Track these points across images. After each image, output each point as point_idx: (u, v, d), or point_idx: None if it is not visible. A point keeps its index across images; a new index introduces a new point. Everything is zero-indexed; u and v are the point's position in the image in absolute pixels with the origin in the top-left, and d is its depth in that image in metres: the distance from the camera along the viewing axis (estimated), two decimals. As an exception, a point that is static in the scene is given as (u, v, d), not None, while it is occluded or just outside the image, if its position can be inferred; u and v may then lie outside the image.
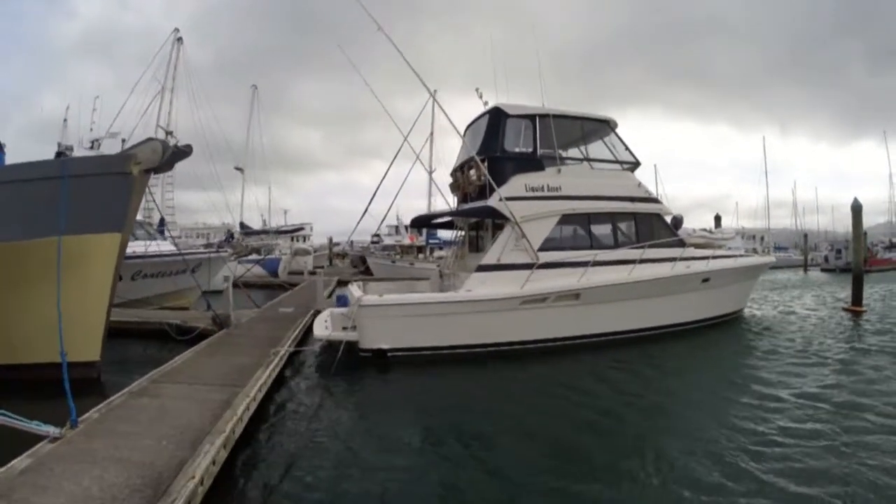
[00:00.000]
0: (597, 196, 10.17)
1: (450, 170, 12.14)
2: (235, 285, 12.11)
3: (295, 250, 25.80)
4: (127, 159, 6.48)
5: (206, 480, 3.76)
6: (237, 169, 33.31)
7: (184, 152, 6.73)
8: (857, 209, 13.97)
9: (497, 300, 8.61)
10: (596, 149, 11.01)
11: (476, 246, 11.51)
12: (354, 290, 9.47)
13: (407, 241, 33.01)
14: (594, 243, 10.03)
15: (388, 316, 8.22)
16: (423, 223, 12.81)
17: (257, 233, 32.00)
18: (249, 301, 12.63)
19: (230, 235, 24.22)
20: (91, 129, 17.56)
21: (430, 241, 33.71)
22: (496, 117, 9.90)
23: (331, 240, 37.89)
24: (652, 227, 10.80)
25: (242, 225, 32.83)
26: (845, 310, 13.35)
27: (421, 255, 30.76)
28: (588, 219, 10.14)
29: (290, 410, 6.21)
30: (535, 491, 4.14)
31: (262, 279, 19.64)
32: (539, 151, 10.00)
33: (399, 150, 24.71)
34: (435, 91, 34.08)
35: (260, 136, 34.98)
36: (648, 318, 10.22)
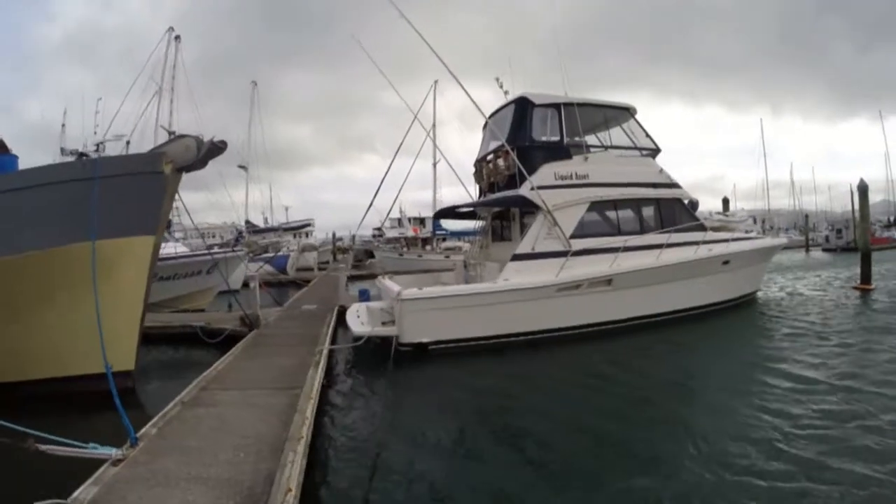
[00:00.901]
0: (622, 183, 10.17)
1: (454, 160, 12.04)
2: (247, 284, 11.88)
3: (302, 246, 25.34)
4: (159, 158, 6.12)
5: (297, 491, 3.54)
6: (241, 167, 32.33)
7: (218, 148, 6.33)
8: (863, 189, 14.28)
9: (535, 289, 8.58)
10: (617, 135, 10.98)
11: (501, 235, 11.42)
12: (389, 283, 9.31)
13: (410, 233, 32.59)
14: (622, 229, 10.05)
15: (429, 309, 8.10)
16: (448, 214, 12.69)
17: (265, 230, 31.38)
18: (270, 300, 12.37)
19: (239, 234, 23.70)
20: (95, 132, 16.79)
21: (437, 232, 33.04)
22: (523, 106, 9.77)
23: (334, 235, 37.31)
24: (674, 211, 10.87)
25: (248, 223, 32.10)
26: (855, 288, 13.68)
27: (428, 247, 30.45)
28: (615, 205, 10.14)
29: (346, 408, 6.13)
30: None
31: (274, 277, 19.24)
32: (565, 140, 9.92)
33: (402, 141, 24.54)
34: (436, 82, 34.23)
35: (262, 132, 33.96)
36: (675, 301, 10.34)
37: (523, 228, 10.18)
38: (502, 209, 10.82)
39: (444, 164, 33.04)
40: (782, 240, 14.11)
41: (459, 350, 8.27)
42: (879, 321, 10.12)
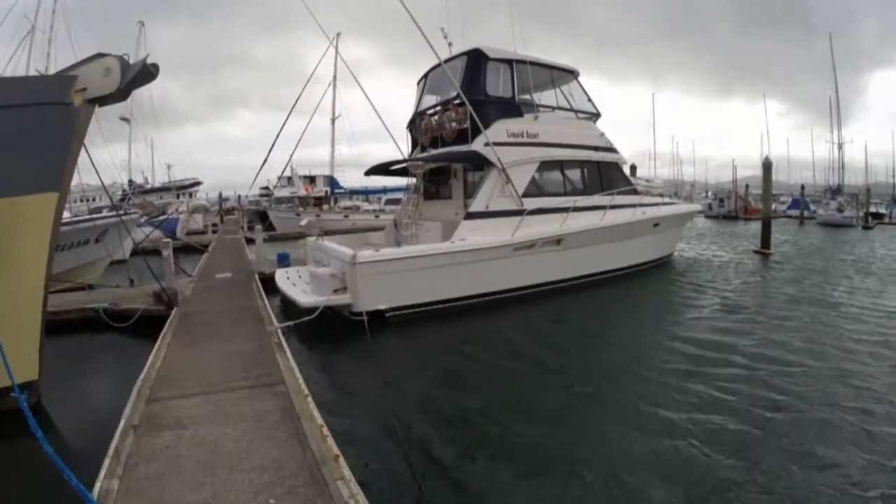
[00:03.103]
0: (569, 144, 10.28)
1: (354, 118, 11.35)
2: (139, 252, 10.19)
3: (192, 208, 22.60)
4: (67, 84, 4.52)
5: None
6: (123, 119, 27.84)
7: (150, 73, 4.76)
8: (767, 166, 16.02)
9: (495, 248, 8.37)
10: (561, 97, 11.01)
11: (437, 194, 10.97)
12: (336, 246, 8.50)
13: (302, 192, 30.98)
14: (567, 190, 10.19)
15: (387, 272, 7.49)
16: (381, 171, 11.84)
17: (153, 190, 27.64)
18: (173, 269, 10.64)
19: (125, 195, 20.51)
20: None
21: (336, 190, 31.79)
22: (477, 59, 9.33)
23: (220, 195, 33.98)
24: (612, 175, 11.30)
25: (132, 183, 27.97)
26: (755, 252, 15.45)
27: (325, 207, 29.07)
28: (561, 166, 10.24)
29: (339, 393, 5.23)
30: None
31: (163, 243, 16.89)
32: (517, 97, 9.71)
33: (298, 97, 22.84)
34: (338, 34, 32.54)
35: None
36: (614, 260, 10.84)
37: (467, 186, 9.88)
38: (439, 166, 10.34)
39: (342, 121, 32.17)
40: (698, 206, 15.45)
41: (417, 316, 7.81)
42: (776, 275, 11.71)
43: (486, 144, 8.81)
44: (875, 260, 14.50)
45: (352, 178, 35.10)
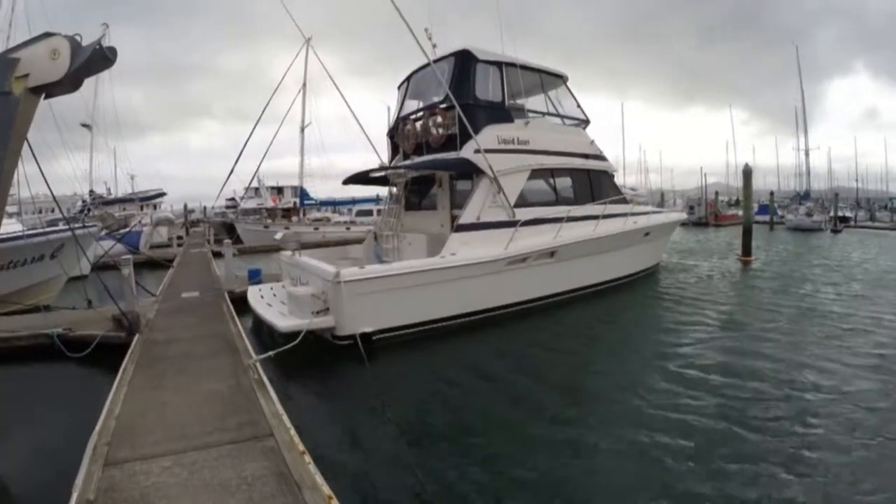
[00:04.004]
0: (560, 152, 9.87)
1: (325, 126, 10.69)
2: (104, 267, 9.26)
3: (157, 220, 21.26)
4: (5, 68, 3.74)
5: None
6: (84, 126, 26.00)
7: (105, 57, 4.02)
8: (747, 173, 16.06)
9: (489, 262, 7.81)
10: (550, 103, 10.59)
11: (419, 204, 10.36)
12: (315, 262, 7.76)
13: (270, 204, 30.22)
14: (559, 199, 9.75)
15: (374, 291, 6.80)
16: (361, 180, 11.13)
17: (116, 201, 25.97)
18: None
19: (85, 206, 19.06)
20: None
21: (305, 202, 31.22)
22: (465, 61, 8.78)
23: (185, 206, 32.65)
24: (603, 183, 10.95)
25: (94, 194, 26.23)
26: (738, 259, 15.45)
27: (294, 218, 28.37)
28: (552, 174, 9.79)
29: (342, 445, 4.34)
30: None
31: (123, 257, 15.64)
32: (506, 102, 9.22)
33: (267, 103, 22.20)
34: (309, 39, 32.18)
35: (111, 87, 27.71)
36: (606, 271, 10.46)
37: (454, 196, 9.31)
38: (423, 174, 9.75)
39: (310, 131, 31.65)
40: (683, 214, 15.34)
41: (406, 338, 7.12)
42: (759, 283, 11.75)
43: (477, 151, 8.27)
44: (854, 264, 14.66)
45: (321, 189, 34.70)
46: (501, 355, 6.78)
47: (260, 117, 21.49)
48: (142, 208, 27.92)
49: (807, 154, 35.06)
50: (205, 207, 33.42)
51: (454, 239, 7.99)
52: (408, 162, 9.42)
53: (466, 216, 8.23)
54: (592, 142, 10.94)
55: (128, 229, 17.43)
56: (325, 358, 6.52)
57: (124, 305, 6.92)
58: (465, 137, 8.45)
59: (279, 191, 34.10)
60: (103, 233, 12.76)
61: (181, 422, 3.99)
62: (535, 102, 10.33)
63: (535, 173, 9.35)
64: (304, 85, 30.77)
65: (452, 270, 7.45)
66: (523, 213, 8.72)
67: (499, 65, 9.19)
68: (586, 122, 11.13)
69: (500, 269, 8.05)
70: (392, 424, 4.52)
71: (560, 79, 10.72)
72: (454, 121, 8.50)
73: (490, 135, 8.68)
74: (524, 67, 9.61)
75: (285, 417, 3.92)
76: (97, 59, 3.98)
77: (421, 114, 9.49)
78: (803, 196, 32.95)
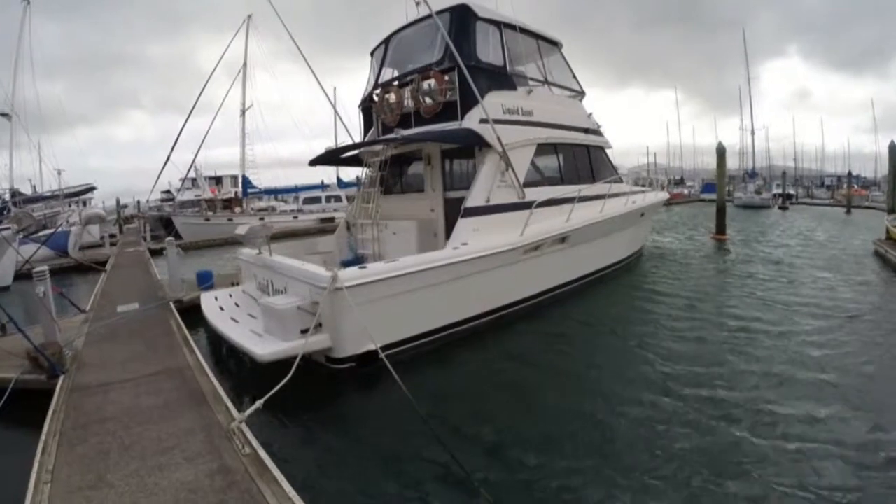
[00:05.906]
0: (563, 125, 8.88)
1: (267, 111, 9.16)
2: (22, 275, 7.29)
3: (87, 217, 18.38)
4: None
5: None
6: (2, 115, 21.93)
7: None
8: (721, 152, 15.97)
9: (508, 252, 6.67)
10: (547, 71, 9.54)
11: (401, 187, 9.02)
12: (298, 264, 6.20)
13: (209, 194, 28.10)
14: (564, 178, 8.80)
15: (380, 298, 5.39)
16: (331, 159, 9.57)
17: (40, 199, 22.40)
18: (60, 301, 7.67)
19: (4, 206, 16.00)
20: None
21: (248, 191, 29.19)
22: (464, 17, 7.45)
23: (118, 201, 29.38)
24: (601, 160, 10.16)
25: (15, 192, 22.43)
26: (713, 237, 15.36)
27: (238, 209, 26.49)
28: (555, 149, 8.79)
29: None
30: None
31: (51, 262, 13.02)
32: (508, 66, 8.05)
33: (202, 90, 20.37)
34: (249, 16, 29.63)
35: (33, 72, 23.66)
36: (610, 255, 9.78)
37: (446, 176, 8.07)
38: (402, 153, 8.38)
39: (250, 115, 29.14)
40: (665, 194, 14.97)
41: (413, 353, 5.70)
42: (736, 258, 11.91)
43: (484, 121, 7.06)
44: (826, 243, 14.68)
45: (263, 178, 32.55)
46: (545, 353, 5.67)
47: (197, 99, 19.15)
48: (69, 205, 24.61)
49: (752, 133, 36.73)
50: (138, 202, 30.56)
51: (463, 225, 6.77)
52: (392, 136, 7.93)
53: (474, 198, 7.02)
54: (590, 115, 10.06)
55: (53, 231, 14.78)
56: (323, 392, 5.05)
57: (42, 336, 5.16)
58: (467, 106, 7.21)
59: (218, 181, 32.11)
60: (19, 236, 10.43)
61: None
62: (531, 70, 9.23)
63: (541, 148, 8.31)
64: (245, 65, 28.83)
65: (471, 263, 6.23)
66: (533, 193, 7.66)
67: (498, 24, 7.98)
68: (582, 93, 10.20)
69: (517, 259, 6.96)
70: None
71: (556, 46, 9.68)
72: (454, 85, 7.23)
73: (494, 103, 7.44)
74: (523, 30, 8.48)
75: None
76: None
77: (408, 79, 8.06)
78: (751, 174, 34.50)
